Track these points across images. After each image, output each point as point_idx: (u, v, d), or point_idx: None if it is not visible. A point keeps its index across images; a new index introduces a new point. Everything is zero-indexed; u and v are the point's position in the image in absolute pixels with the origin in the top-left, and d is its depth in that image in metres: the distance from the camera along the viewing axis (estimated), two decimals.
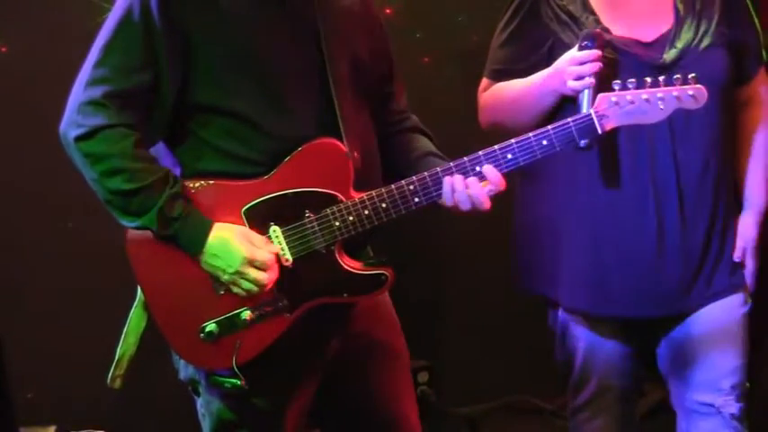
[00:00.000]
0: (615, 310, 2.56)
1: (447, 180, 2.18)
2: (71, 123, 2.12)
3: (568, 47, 2.45)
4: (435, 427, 3.58)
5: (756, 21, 2.56)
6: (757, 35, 2.57)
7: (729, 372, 2.57)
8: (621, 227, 2.50)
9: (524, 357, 3.61)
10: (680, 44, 2.47)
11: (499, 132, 2.62)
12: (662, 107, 2.21)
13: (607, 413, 2.71)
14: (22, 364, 2.91)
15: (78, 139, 2.10)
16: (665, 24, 2.50)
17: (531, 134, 2.18)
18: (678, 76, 2.20)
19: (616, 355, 2.64)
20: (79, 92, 2.12)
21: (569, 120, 2.21)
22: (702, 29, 2.48)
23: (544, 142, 2.18)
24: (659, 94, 2.20)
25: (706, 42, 2.48)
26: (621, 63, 2.43)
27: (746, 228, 2.59)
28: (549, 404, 3.79)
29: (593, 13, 2.50)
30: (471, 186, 2.18)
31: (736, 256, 2.56)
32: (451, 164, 2.19)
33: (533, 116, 2.51)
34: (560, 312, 2.68)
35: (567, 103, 2.44)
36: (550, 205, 2.60)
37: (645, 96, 2.20)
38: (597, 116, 2.20)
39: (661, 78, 2.20)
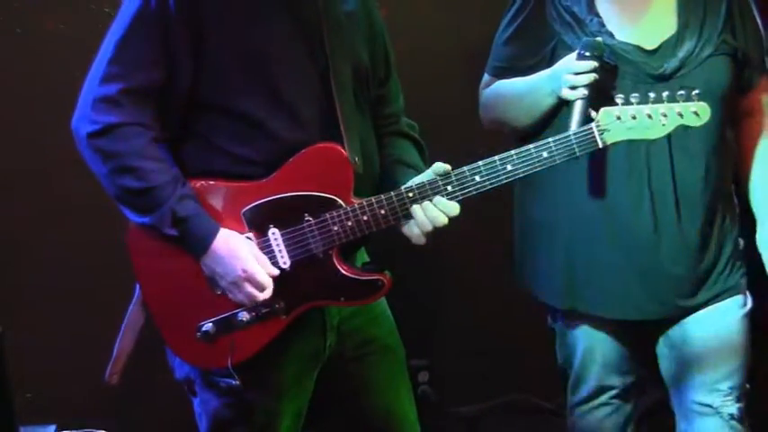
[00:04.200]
0: (611, 313, 2.56)
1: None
2: (84, 119, 2.12)
3: (570, 48, 2.45)
4: (435, 426, 3.58)
5: (762, 30, 2.55)
6: (761, 44, 2.56)
7: (728, 373, 2.58)
8: (617, 230, 2.50)
9: (524, 357, 3.61)
10: (681, 52, 2.46)
11: (499, 130, 2.63)
12: (664, 123, 2.21)
13: (605, 411, 2.72)
14: (22, 363, 2.91)
15: (91, 135, 2.11)
16: (668, 31, 2.49)
17: (531, 146, 2.19)
18: (682, 92, 2.19)
19: (614, 355, 2.65)
20: (93, 87, 2.12)
21: (570, 133, 2.21)
22: (705, 37, 2.47)
23: (544, 154, 2.18)
24: (662, 110, 2.20)
25: (708, 51, 2.47)
26: (621, 70, 2.42)
27: None
28: (548, 403, 3.78)
29: (597, 15, 2.49)
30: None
31: None
32: (452, 175, 2.18)
33: (533, 116, 2.50)
34: (559, 312, 2.68)
35: (565, 106, 2.43)
36: (547, 207, 2.60)
37: (647, 112, 2.20)
38: (599, 130, 2.20)
39: (664, 94, 2.19)
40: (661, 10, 2.50)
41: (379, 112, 2.37)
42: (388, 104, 2.40)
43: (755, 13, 2.55)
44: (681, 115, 2.20)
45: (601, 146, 2.20)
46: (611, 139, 2.21)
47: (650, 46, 2.47)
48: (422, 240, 2.19)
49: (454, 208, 2.16)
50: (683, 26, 2.48)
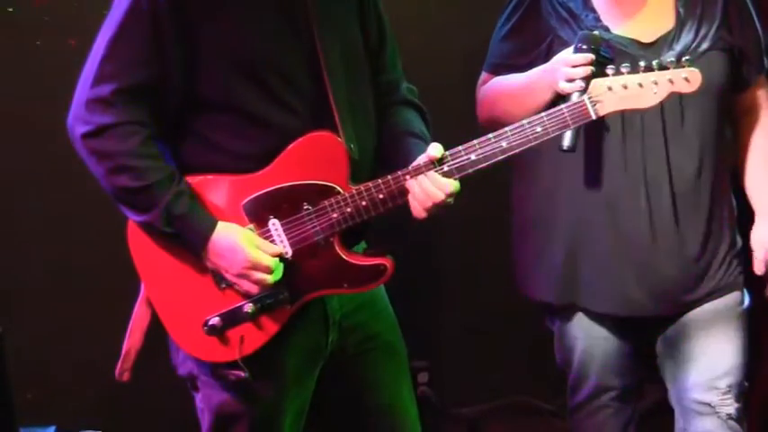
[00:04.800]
0: (607, 309, 2.56)
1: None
2: (78, 119, 2.13)
3: (566, 44, 2.45)
4: (436, 427, 3.58)
5: (759, 27, 2.56)
6: (759, 42, 2.56)
7: (726, 371, 2.57)
8: (614, 226, 2.50)
9: (524, 358, 3.61)
10: (679, 46, 2.47)
11: (497, 128, 2.63)
12: (655, 91, 2.21)
13: (606, 412, 2.71)
14: (22, 364, 2.91)
15: (85, 136, 2.11)
16: (665, 26, 2.50)
17: (525, 121, 2.19)
18: (672, 59, 2.20)
19: (613, 354, 2.64)
20: (86, 87, 2.12)
21: (563, 105, 2.22)
22: (702, 32, 2.48)
23: (538, 129, 2.19)
24: (652, 78, 2.20)
25: (705, 46, 2.48)
26: (617, 63, 2.42)
27: (765, 237, 2.58)
28: (548, 404, 3.78)
29: (593, 10, 2.50)
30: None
31: (760, 270, 2.56)
32: (447, 153, 2.18)
33: (530, 112, 2.50)
34: (557, 312, 2.68)
35: (562, 101, 2.44)
36: (546, 205, 2.60)
37: (638, 80, 2.20)
38: (591, 102, 2.21)
39: (654, 62, 2.20)
40: (658, 6, 2.51)
41: (377, 81, 2.36)
42: (386, 72, 2.39)
43: (752, 10, 2.56)
44: (672, 82, 2.20)
45: (594, 117, 2.21)
46: (603, 110, 2.21)
47: (647, 40, 2.48)
48: (422, 214, 2.19)
49: (451, 185, 2.17)
50: (681, 21, 2.49)
